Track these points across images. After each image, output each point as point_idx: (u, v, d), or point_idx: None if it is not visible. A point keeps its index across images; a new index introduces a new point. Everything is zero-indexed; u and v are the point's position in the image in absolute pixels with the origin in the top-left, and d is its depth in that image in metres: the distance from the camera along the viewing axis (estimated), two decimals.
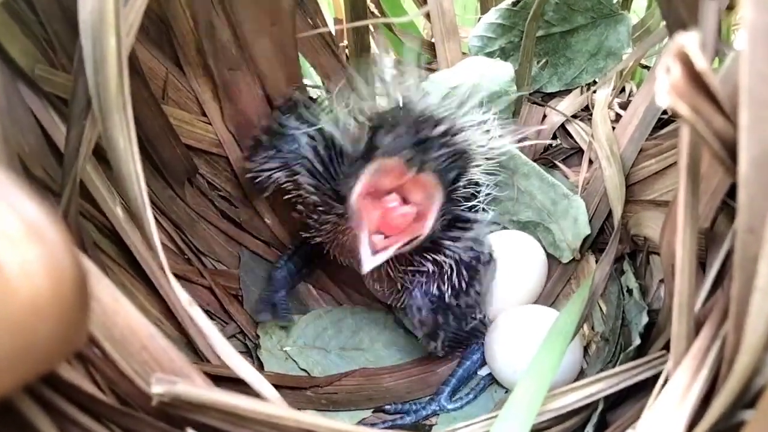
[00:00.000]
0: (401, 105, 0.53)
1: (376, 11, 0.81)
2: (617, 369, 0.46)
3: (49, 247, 0.14)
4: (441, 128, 0.52)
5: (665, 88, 0.24)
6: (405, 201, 0.53)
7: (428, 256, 0.58)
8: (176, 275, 0.56)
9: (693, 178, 0.32)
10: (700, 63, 0.24)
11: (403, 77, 0.55)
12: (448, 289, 0.58)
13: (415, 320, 0.60)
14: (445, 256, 0.58)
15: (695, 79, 0.24)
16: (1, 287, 0.13)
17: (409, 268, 0.58)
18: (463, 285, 0.59)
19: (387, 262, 0.56)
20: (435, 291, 0.59)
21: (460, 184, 0.57)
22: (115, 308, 0.34)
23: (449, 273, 0.58)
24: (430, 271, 0.58)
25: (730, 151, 0.26)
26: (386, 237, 0.52)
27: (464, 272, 0.59)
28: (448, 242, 0.58)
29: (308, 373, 0.63)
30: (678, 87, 0.25)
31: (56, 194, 0.50)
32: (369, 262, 0.49)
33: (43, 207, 0.14)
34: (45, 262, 0.14)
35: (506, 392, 0.63)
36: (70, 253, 0.14)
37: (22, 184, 0.15)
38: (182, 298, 0.42)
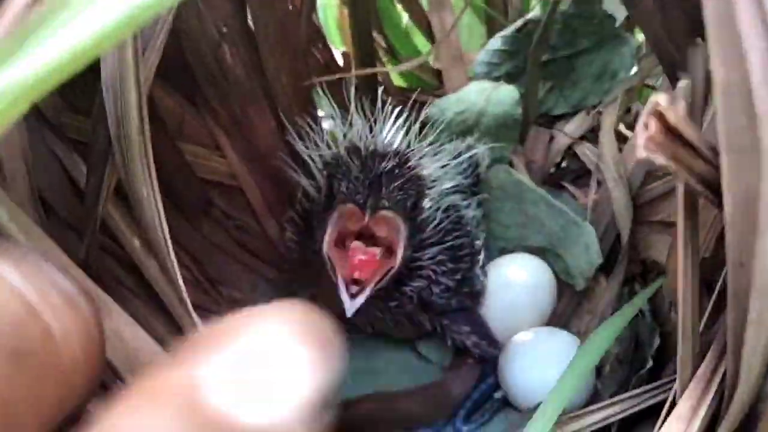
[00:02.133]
0: (349, 149, 0.54)
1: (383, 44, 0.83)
2: (629, 393, 0.46)
3: (84, 318, 0.16)
4: (387, 163, 0.53)
5: (643, 142, 0.26)
6: (373, 239, 0.53)
7: (407, 286, 0.58)
8: (194, 305, 0.57)
9: (691, 206, 0.33)
10: (674, 117, 0.25)
11: (351, 123, 0.56)
12: (445, 280, 0.59)
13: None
14: (423, 276, 0.58)
15: (672, 130, 0.26)
16: (53, 349, 0.15)
17: (391, 303, 0.59)
18: (450, 266, 0.60)
19: (371, 306, 0.57)
20: (437, 290, 0.60)
21: (424, 207, 0.57)
22: (136, 345, 0.36)
23: (435, 274, 0.59)
24: (416, 288, 0.59)
25: (714, 191, 0.27)
26: (360, 283, 0.52)
27: (447, 259, 0.59)
28: (421, 262, 0.58)
29: None
30: (655, 139, 0.26)
31: (76, 230, 0.52)
32: (350, 307, 0.50)
33: (75, 282, 0.16)
34: (80, 331, 0.16)
35: (520, 414, 0.64)
36: (99, 324, 0.16)
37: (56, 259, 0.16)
38: None
